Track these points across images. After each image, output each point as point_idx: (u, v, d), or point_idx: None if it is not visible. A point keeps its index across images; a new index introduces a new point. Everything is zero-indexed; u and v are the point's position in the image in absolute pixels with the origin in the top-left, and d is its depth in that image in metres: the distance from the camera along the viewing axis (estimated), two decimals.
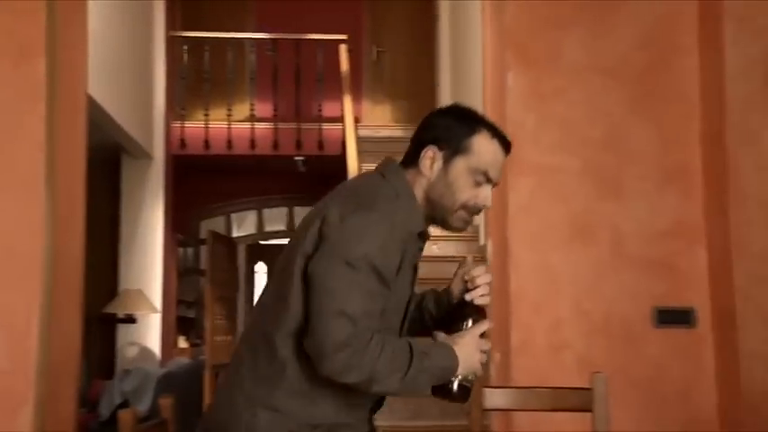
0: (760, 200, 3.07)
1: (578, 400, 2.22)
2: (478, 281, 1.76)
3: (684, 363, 3.24)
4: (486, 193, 1.73)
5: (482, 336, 1.69)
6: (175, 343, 8.36)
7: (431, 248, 7.23)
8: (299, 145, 8.01)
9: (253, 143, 7.93)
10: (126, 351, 7.01)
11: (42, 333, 2.78)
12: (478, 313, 1.73)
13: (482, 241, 6.59)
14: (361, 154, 7.94)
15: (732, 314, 3.10)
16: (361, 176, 1.80)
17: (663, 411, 3.23)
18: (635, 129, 3.39)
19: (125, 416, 1.59)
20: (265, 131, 8.02)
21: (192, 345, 8.94)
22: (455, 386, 1.67)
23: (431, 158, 1.72)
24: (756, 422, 2.92)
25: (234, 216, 10.58)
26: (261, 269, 12.47)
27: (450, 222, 1.75)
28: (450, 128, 1.73)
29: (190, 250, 9.73)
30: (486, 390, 2.26)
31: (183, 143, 7.83)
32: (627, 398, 3.12)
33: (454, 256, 7.12)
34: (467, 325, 1.69)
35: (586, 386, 2.22)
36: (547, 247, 3.38)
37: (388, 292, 1.61)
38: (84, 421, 4.23)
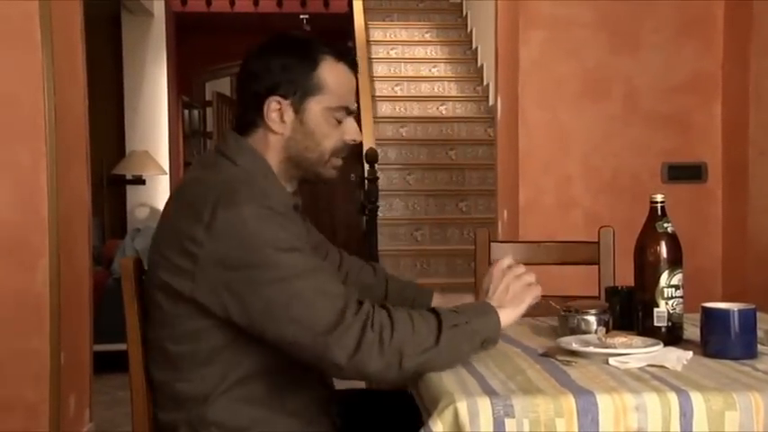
0: None
1: (585, 254, 2.23)
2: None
3: (692, 217, 3.26)
4: (352, 127, 1.48)
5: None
6: None
7: (439, 110, 7.16)
8: (303, 2, 7.76)
9: (256, 0, 7.68)
10: (137, 212, 7.10)
11: (51, 187, 2.79)
12: None
13: (491, 101, 6.50)
14: (368, 11, 7.71)
15: (744, 168, 3.08)
16: (197, 174, 1.45)
17: None
18: None
19: (126, 262, 1.46)
20: None
21: None
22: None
23: (278, 111, 1.42)
24: (760, 272, 2.96)
25: None
26: None
27: (323, 174, 1.48)
28: (286, 67, 1.41)
29: (195, 112, 9.66)
30: (494, 244, 2.26)
31: (183, 0, 7.59)
32: (633, 252, 3.15)
33: (462, 117, 7.05)
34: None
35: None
36: (557, 103, 3.32)
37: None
38: (100, 279, 4.34)
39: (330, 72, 1.44)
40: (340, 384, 1.55)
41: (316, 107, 1.43)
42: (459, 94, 7.31)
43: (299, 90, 1.42)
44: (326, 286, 1.30)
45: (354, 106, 1.49)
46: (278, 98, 1.42)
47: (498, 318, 1.39)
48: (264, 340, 1.31)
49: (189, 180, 1.47)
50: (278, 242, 1.29)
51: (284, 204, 1.39)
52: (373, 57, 7.50)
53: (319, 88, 1.43)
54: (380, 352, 1.25)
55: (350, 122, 1.48)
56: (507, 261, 1.49)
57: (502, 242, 2.81)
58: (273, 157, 1.45)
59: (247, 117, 1.46)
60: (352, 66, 1.49)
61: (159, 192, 7.25)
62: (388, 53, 7.71)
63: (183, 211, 1.35)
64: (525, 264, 2.85)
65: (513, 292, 1.44)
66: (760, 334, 1.46)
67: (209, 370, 1.36)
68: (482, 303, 1.42)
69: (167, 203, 1.44)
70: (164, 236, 1.38)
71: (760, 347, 1.43)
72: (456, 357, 1.32)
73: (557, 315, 1.65)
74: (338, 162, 1.49)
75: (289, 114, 1.43)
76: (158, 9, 7.17)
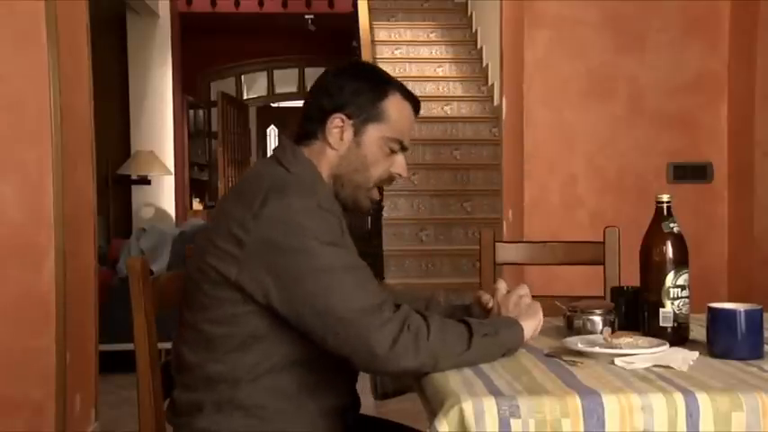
0: None
1: (591, 254, 2.22)
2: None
3: (698, 217, 3.26)
4: (401, 162, 1.56)
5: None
6: (190, 205, 8.47)
7: (444, 110, 7.16)
8: (308, 2, 7.76)
9: (261, 0, 7.69)
10: (142, 212, 7.11)
11: (56, 187, 2.80)
12: None
13: (496, 101, 6.49)
14: (373, 11, 7.71)
15: (750, 168, 3.08)
16: (256, 169, 1.56)
17: None
18: None
19: (134, 262, 1.47)
20: None
21: (206, 207, 9.06)
22: None
23: (339, 129, 1.50)
24: (767, 272, 2.95)
25: (244, 78, 10.43)
26: (273, 132, 12.44)
27: (360, 202, 1.55)
28: (358, 92, 1.50)
29: (200, 112, 9.67)
30: (499, 244, 2.26)
31: (188, 0, 7.61)
32: (638, 252, 3.15)
33: (467, 117, 7.05)
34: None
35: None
36: (562, 103, 3.32)
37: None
38: (105, 278, 4.34)
39: (395, 106, 1.53)
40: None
41: (374, 133, 1.52)
42: (464, 94, 7.30)
43: (364, 114, 1.51)
44: (365, 283, 1.36)
45: (408, 144, 1.57)
46: (342, 116, 1.50)
47: (522, 328, 1.46)
48: (301, 329, 1.35)
49: (246, 176, 1.56)
50: (322, 235, 1.35)
51: (330, 201, 1.47)
52: (378, 57, 7.50)
53: (382, 117, 1.52)
54: (416, 352, 1.30)
55: (400, 157, 1.57)
56: (503, 287, 1.56)
57: (507, 242, 2.80)
58: (324, 171, 1.52)
59: (309, 128, 1.53)
60: (415, 108, 1.58)
61: (164, 192, 7.27)
62: (392, 53, 7.71)
63: (236, 200, 1.42)
64: (530, 264, 2.86)
65: (524, 307, 1.51)
66: (766, 335, 1.45)
67: (243, 355, 1.40)
68: (506, 317, 1.49)
69: (223, 197, 1.50)
70: (215, 224, 1.45)
71: (767, 348, 1.43)
72: (484, 362, 1.38)
73: (562, 315, 1.64)
74: (375, 195, 1.57)
75: (348, 134, 1.51)
76: (163, 9, 7.18)
